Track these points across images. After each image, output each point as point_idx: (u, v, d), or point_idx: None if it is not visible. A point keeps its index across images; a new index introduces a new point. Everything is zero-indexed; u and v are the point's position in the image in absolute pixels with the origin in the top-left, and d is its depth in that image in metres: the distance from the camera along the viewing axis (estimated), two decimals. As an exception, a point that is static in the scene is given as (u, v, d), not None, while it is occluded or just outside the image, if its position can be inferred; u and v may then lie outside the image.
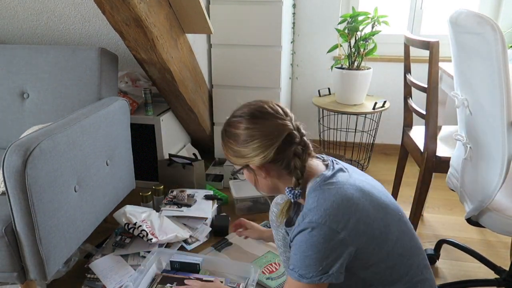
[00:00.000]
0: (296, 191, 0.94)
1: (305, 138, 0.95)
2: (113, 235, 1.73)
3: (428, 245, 1.80)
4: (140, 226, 1.65)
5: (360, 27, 2.31)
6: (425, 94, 1.49)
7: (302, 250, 0.85)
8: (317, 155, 1.01)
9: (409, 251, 0.92)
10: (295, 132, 0.93)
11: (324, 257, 0.83)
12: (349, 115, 2.84)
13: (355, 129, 2.77)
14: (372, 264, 0.89)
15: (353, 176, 0.94)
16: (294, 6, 2.67)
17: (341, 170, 0.96)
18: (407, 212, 2.05)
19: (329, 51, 2.45)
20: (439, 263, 1.69)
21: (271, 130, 0.91)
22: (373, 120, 2.72)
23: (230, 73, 2.38)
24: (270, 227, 1.37)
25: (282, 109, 0.95)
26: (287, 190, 0.95)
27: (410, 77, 1.68)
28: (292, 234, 0.91)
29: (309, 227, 0.85)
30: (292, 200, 0.96)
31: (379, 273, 0.90)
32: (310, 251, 0.84)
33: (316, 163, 0.99)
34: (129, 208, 1.76)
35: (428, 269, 0.97)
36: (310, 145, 0.96)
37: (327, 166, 0.98)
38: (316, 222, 0.84)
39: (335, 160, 1.01)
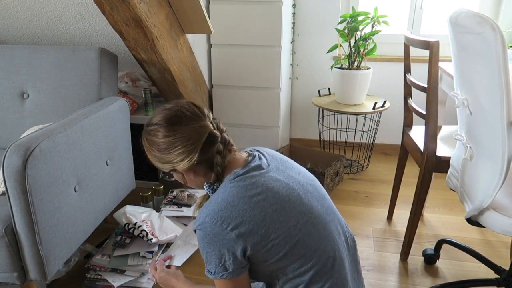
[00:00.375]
0: (214, 186, 0.96)
1: (225, 134, 0.96)
2: (113, 235, 1.74)
3: (428, 245, 1.80)
4: (140, 226, 1.65)
5: (360, 27, 2.31)
6: (425, 94, 1.49)
7: (201, 248, 0.89)
8: (247, 149, 1.01)
9: (314, 253, 0.89)
10: (216, 131, 0.94)
11: (218, 254, 0.87)
12: (349, 115, 2.84)
13: (355, 129, 2.77)
14: (272, 261, 0.89)
15: (268, 175, 0.92)
16: (294, 6, 2.67)
17: (258, 167, 0.93)
18: (407, 212, 2.06)
19: (329, 51, 2.45)
20: (439, 263, 1.69)
21: (192, 135, 0.90)
22: (373, 120, 2.72)
23: (230, 73, 2.38)
24: None
25: (199, 109, 0.96)
26: (206, 185, 0.97)
27: (410, 77, 1.68)
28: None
29: (199, 225, 0.88)
30: (210, 195, 0.98)
31: (282, 268, 0.90)
32: (206, 248, 0.88)
33: (239, 157, 0.98)
34: (129, 208, 1.76)
35: (338, 273, 0.92)
36: (231, 140, 0.98)
37: (249, 161, 0.96)
38: (205, 220, 0.87)
39: (261, 154, 0.99)
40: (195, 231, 0.91)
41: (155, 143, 0.94)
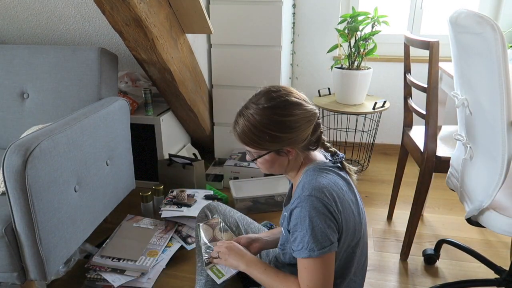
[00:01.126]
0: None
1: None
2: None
3: (428, 245, 1.80)
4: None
5: (360, 27, 2.31)
6: (425, 94, 1.49)
7: (302, 225, 0.91)
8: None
9: (356, 269, 1.04)
10: (319, 116, 1.02)
11: (323, 227, 0.90)
12: (349, 115, 2.84)
13: (355, 129, 2.77)
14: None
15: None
16: (294, 6, 2.67)
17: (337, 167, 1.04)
18: (407, 212, 2.06)
19: (329, 51, 2.45)
20: (439, 263, 1.69)
21: (310, 115, 0.97)
22: (373, 120, 2.72)
23: (230, 73, 2.38)
24: (270, 228, 1.37)
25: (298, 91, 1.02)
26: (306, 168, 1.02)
27: (410, 77, 1.68)
28: (288, 210, 0.97)
29: (303, 200, 0.92)
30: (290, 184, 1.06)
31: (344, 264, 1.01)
32: (312, 222, 0.90)
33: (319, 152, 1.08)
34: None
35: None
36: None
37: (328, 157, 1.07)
38: (311, 194, 0.91)
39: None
40: (292, 210, 0.94)
41: (270, 122, 0.94)
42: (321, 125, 1.02)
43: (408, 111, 1.83)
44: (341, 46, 2.48)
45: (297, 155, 1.00)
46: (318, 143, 1.02)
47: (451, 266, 1.67)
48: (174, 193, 2.01)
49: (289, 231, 0.99)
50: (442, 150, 1.55)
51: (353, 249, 1.01)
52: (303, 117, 0.95)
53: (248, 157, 1.04)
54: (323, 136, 1.03)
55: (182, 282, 1.58)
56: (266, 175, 2.33)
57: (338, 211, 0.93)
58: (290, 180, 1.13)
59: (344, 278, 1.02)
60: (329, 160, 1.06)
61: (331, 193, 0.93)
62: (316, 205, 0.90)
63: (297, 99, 0.97)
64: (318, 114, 1.00)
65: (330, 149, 1.05)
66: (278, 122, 0.94)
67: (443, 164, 1.51)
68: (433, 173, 1.55)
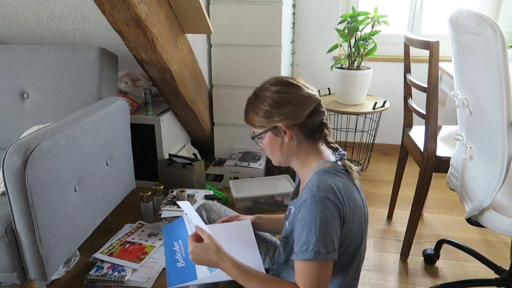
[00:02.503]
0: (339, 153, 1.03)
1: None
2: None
3: (428, 245, 1.80)
4: None
5: (360, 27, 2.31)
6: (425, 94, 1.49)
7: (312, 226, 0.88)
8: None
9: (355, 267, 1.02)
10: (322, 105, 1.02)
11: (332, 232, 0.88)
12: (349, 115, 2.84)
13: (355, 129, 2.77)
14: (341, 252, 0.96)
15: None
16: (294, 6, 2.67)
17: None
18: (407, 212, 2.06)
19: (329, 51, 2.45)
20: (439, 263, 1.69)
21: (304, 99, 0.98)
22: (373, 120, 2.72)
23: (230, 73, 2.38)
24: None
25: (311, 88, 1.04)
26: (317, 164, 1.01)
27: (410, 77, 1.68)
28: (297, 206, 0.94)
29: (317, 200, 0.89)
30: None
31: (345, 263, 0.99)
32: (322, 224, 0.87)
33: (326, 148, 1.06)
34: None
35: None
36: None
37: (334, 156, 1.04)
38: (324, 197, 0.89)
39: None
40: (298, 211, 0.92)
41: (268, 98, 0.99)
42: (324, 116, 1.02)
43: (408, 111, 1.83)
44: (341, 46, 2.48)
45: (295, 138, 1.00)
46: (319, 132, 1.01)
47: (451, 266, 1.67)
48: (174, 193, 2.01)
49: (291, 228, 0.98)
50: (442, 150, 1.55)
51: (353, 254, 1.00)
52: (295, 96, 0.98)
53: (253, 137, 1.07)
54: (326, 130, 1.02)
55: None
56: (267, 174, 2.32)
57: (347, 219, 0.92)
58: (297, 176, 1.12)
59: (342, 283, 1.02)
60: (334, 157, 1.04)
61: (343, 199, 0.91)
62: (330, 208, 0.88)
63: (295, 82, 1.01)
64: (318, 101, 1.00)
65: (332, 144, 1.04)
66: (270, 98, 0.99)
67: (443, 164, 1.51)
68: (433, 173, 1.55)
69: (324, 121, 1.01)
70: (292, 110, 0.97)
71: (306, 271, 0.89)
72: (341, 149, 1.04)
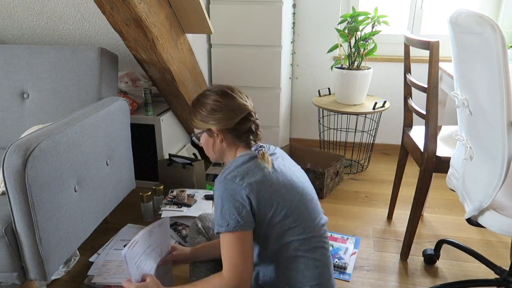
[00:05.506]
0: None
1: (257, 121, 1.18)
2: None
3: (428, 245, 1.80)
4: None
5: (360, 27, 2.31)
6: (425, 94, 1.49)
7: (219, 203, 1.03)
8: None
9: (307, 222, 1.09)
10: (253, 113, 1.16)
11: (233, 207, 1.00)
12: (349, 115, 2.84)
13: (355, 129, 2.77)
14: (276, 222, 1.05)
15: (277, 160, 1.13)
16: (294, 6, 2.67)
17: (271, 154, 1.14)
18: (407, 212, 2.07)
19: (329, 51, 2.45)
20: (439, 263, 1.69)
21: (236, 107, 1.12)
22: (373, 120, 2.72)
23: (230, 73, 2.38)
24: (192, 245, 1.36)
25: (246, 96, 1.19)
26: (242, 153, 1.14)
27: (410, 77, 1.68)
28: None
29: (221, 181, 1.04)
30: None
31: (285, 232, 1.06)
32: (223, 202, 1.02)
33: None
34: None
35: (322, 248, 1.11)
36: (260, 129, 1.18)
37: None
38: (226, 177, 1.03)
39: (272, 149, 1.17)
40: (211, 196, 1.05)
41: (206, 104, 1.13)
42: (254, 124, 1.14)
43: (408, 111, 1.83)
44: (341, 46, 2.48)
45: (225, 141, 1.13)
46: (247, 136, 1.13)
47: (451, 266, 1.67)
48: (174, 193, 2.01)
49: None
50: (442, 150, 1.55)
51: (289, 225, 1.06)
52: (228, 105, 1.11)
53: (192, 136, 1.23)
54: (251, 136, 1.14)
55: (182, 282, 1.58)
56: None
57: (253, 194, 1.01)
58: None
59: (283, 254, 1.07)
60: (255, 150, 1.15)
61: (243, 177, 1.02)
62: (227, 187, 1.02)
63: (231, 92, 1.15)
64: (249, 111, 1.13)
65: (251, 142, 1.15)
66: (206, 104, 1.13)
67: (443, 164, 1.51)
68: (433, 173, 1.55)
69: (252, 128, 1.14)
70: (224, 117, 1.11)
71: (224, 247, 1.02)
72: (259, 144, 1.15)
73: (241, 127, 1.12)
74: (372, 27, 2.32)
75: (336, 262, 1.65)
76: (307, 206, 1.09)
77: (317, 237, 1.10)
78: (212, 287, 1.03)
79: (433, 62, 1.40)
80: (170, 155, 2.24)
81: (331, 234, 1.88)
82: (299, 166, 1.22)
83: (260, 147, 1.12)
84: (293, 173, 1.13)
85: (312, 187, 1.19)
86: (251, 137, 1.14)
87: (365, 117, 2.73)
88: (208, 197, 1.99)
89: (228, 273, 1.01)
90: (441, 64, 1.75)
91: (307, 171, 2.23)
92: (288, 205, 1.05)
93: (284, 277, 1.08)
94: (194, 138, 1.22)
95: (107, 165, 1.60)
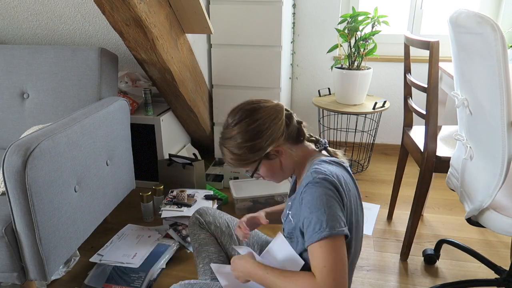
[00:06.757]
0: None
1: (293, 113, 1.05)
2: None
3: (428, 245, 1.80)
4: None
5: (360, 27, 2.31)
6: (425, 94, 1.49)
7: (319, 206, 0.88)
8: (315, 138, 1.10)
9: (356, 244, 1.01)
10: (285, 108, 1.03)
11: (337, 209, 0.88)
12: (349, 115, 2.84)
13: (355, 129, 2.77)
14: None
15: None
16: (294, 6, 2.67)
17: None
18: (407, 212, 2.06)
19: (329, 51, 2.45)
20: (439, 263, 1.69)
21: (271, 112, 0.99)
22: (373, 120, 2.72)
23: (230, 73, 2.38)
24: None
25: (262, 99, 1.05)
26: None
27: (410, 77, 1.68)
28: (298, 197, 0.95)
29: (317, 182, 0.90)
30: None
31: None
32: (325, 204, 0.88)
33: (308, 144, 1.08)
34: None
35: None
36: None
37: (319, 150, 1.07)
38: (325, 177, 0.90)
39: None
40: (301, 200, 0.93)
41: (242, 137, 0.98)
42: (294, 116, 1.04)
43: (408, 111, 1.83)
44: (341, 46, 2.48)
45: (287, 152, 1.01)
46: (301, 132, 1.03)
47: (451, 266, 1.67)
48: (174, 193, 2.00)
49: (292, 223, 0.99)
50: (442, 150, 1.55)
51: (349, 241, 0.97)
52: (267, 116, 0.98)
53: (250, 175, 1.05)
54: (303, 127, 1.04)
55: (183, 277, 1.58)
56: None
57: (348, 199, 0.93)
58: (293, 175, 1.13)
59: None
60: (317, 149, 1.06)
61: (340, 181, 0.92)
62: (330, 187, 0.89)
63: (256, 105, 1.00)
64: (282, 107, 1.02)
65: (311, 138, 1.07)
66: (248, 133, 0.98)
67: (443, 164, 1.51)
68: (433, 173, 1.55)
69: (298, 119, 1.04)
70: (271, 131, 0.97)
71: (322, 252, 0.86)
72: (321, 139, 1.07)
73: (290, 128, 1.01)
74: (372, 27, 2.32)
75: (336, 262, 1.65)
76: (361, 216, 1.04)
77: (358, 252, 1.05)
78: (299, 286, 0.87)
79: (433, 62, 1.40)
80: (170, 155, 2.24)
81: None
82: None
83: (325, 143, 1.05)
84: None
85: None
86: (304, 130, 1.03)
87: (365, 117, 2.73)
88: (208, 197, 1.99)
89: (323, 278, 0.84)
90: (441, 64, 1.75)
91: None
92: (354, 214, 0.96)
93: None
94: (254, 176, 1.05)
95: (107, 165, 1.60)
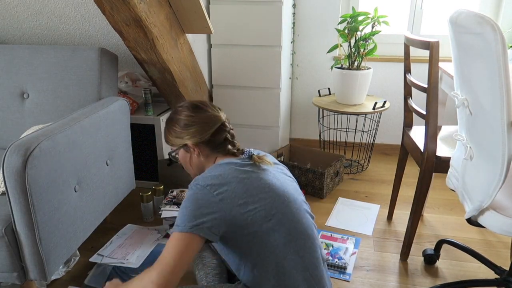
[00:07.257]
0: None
1: (232, 131, 1.19)
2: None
3: (428, 245, 1.80)
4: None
5: (360, 27, 2.31)
6: (425, 94, 1.49)
7: (184, 203, 1.01)
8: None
9: (288, 229, 1.05)
10: (227, 124, 1.18)
11: (196, 211, 0.97)
12: (349, 115, 2.84)
13: (355, 129, 2.77)
14: (250, 230, 1.01)
15: (258, 172, 1.08)
16: (294, 6, 2.67)
17: (252, 165, 1.10)
18: (407, 212, 2.07)
19: (329, 51, 2.45)
20: (439, 263, 1.69)
21: (208, 119, 1.14)
22: (373, 120, 2.72)
23: (230, 73, 2.38)
24: None
25: (217, 106, 1.21)
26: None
27: (410, 77, 1.68)
28: None
29: (194, 185, 1.03)
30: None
31: (259, 240, 1.02)
32: (188, 203, 1.00)
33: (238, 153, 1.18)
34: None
35: (315, 265, 1.07)
36: (235, 139, 1.20)
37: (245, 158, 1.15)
38: (198, 183, 1.02)
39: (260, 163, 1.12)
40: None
41: (179, 120, 1.15)
42: (229, 133, 1.16)
43: (408, 111, 1.83)
44: (341, 46, 2.48)
45: (202, 154, 1.15)
46: (223, 146, 1.15)
47: (451, 266, 1.67)
48: (174, 193, 2.00)
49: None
50: (442, 150, 1.55)
51: (268, 231, 1.01)
52: (201, 118, 1.14)
53: (171, 156, 1.22)
54: (229, 145, 1.15)
55: (182, 282, 1.58)
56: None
57: (220, 200, 0.98)
58: None
59: (269, 256, 1.02)
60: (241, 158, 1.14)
61: (219, 182, 1.00)
62: (197, 191, 1.00)
63: (202, 106, 1.16)
64: (222, 121, 1.16)
65: (233, 151, 1.16)
66: (179, 120, 1.15)
67: (443, 164, 1.51)
68: (433, 173, 1.55)
69: (228, 137, 1.16)
70: (197, 130, 1.13)
71: (168, 241, 0.96)
72: (245, 150, 1.16)
73: (216, 138, 1.14)
74: (372, 27, 2.32)
75: (336, 262, 1.65)
76: (290, 207, 1.06)
77: (303, 238, 1.06)
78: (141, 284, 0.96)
79: (433, 62, 1.40)
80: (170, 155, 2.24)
81: (331, 234, 1.88)
82: (284, 168, 1.20)
83: (247, 152, 1.13)
84: (273, 175, 1.10)
85: (297, 189, 1.16)
86: (229, 146, 1.15)
87: (365, 117, 2.73)
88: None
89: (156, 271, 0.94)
90: (441, 64, 1.75)
91: (307, 171, 2.23)
92: (267, 208, 1.02)
93: (273, 278, 1.03)
94: (171, 156, 1.22)
95: (107, 165, 1.60)
